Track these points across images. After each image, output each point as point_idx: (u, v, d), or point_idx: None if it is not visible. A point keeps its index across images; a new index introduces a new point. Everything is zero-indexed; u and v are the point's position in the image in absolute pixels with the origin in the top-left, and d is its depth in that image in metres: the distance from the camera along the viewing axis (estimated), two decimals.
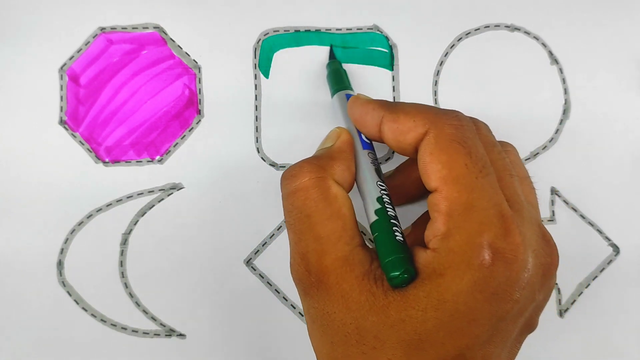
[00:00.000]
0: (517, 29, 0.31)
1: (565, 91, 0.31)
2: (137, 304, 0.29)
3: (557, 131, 0.31)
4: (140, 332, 0.29)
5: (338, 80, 0.29)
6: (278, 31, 0.30)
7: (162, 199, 0.29)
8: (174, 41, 0.30)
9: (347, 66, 0.30)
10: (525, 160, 0.31)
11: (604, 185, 0.31)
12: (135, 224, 0.29)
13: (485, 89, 0.31)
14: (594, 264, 0.31)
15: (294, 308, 0.29)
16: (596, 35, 0.31)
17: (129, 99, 0.30)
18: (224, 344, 0.29)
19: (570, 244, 0.31)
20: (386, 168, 0.28)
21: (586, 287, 0.30)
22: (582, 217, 0.31)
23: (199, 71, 0.30)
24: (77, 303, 0.29)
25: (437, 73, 0.31)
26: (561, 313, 0.30)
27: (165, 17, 0.30)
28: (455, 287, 0.20)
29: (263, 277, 0.29)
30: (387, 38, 0.31)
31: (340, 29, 0.30)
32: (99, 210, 0.29)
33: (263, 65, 0.30)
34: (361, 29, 0.31)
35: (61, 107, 0.29)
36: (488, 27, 0.31)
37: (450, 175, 0.21)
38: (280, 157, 0.30)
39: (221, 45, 0.30)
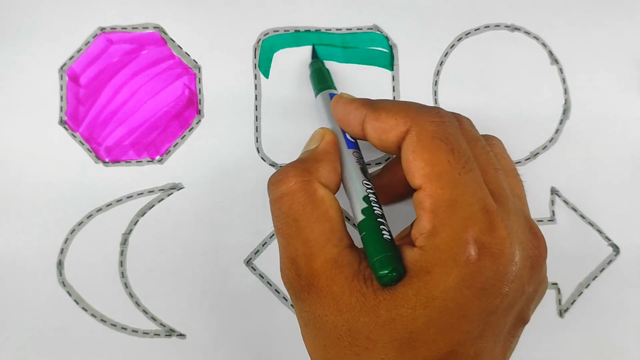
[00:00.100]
0: (517, 29, 0.31)
1: (565, 91, 0.31)
2: (137, 304, 0.29)
3: (557, 131, 0.31)
4: (140, 332, 0.29)
5: (321, 80, 0.29)
6: (278, 31, 0.30)
7: (162, 199, 0.29)
8: (174, 41, 0.30)
9: (347, 66, 0.30)
10: (525, 160, 0.31)
11: (604, 185, 0.31)
12: (135, 224, 0.29)
13: (485, 89, 0.31)
14: (594, 264, 0.31)
15: (294, 308, 0.29)
16: (596, 35, 0.31)
17: (129, 99, 0.30)
18: (224, 344, 0.29)
19: (570, 244, 0.31)
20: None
21: (586, 287, 0.30)
22: (582, 217, 0.31)
23: (199, 71, 0.30)
24: (77, 303, 0.29)
25: (437, 73, 0.31)
26: (561, 313, 0.30)
27: (165, 17, 0.30)
28: (443, 284, 0.20)
29: (263, 277, 0.29)
30: (387, 38, 0.31)
31: (340, 29, 0.30)
32: (99, 210, 0.29)
33: (263, 65, 0.30)
34: (361, 29, 0.31)
35: (61, 107, 0.29)
36: (488, 27, 0.31)
37: (433, 173, 0.21)
38: (280, 157, 0.30)
39: (221, 45, 0.30)
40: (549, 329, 0.30)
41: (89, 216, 0.29)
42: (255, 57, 0.30)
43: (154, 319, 0.29)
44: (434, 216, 0.21)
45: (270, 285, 0.29)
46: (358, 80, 0.30)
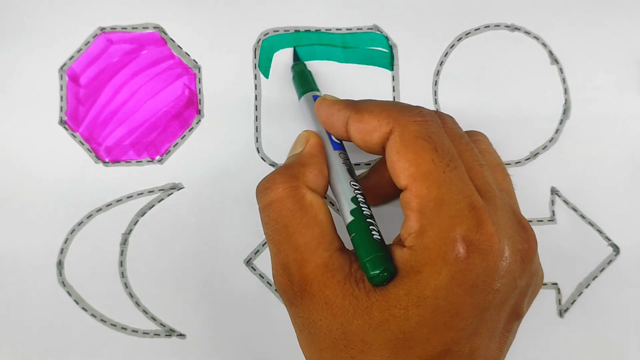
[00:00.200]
0: (517, 29, 0.31)
1: (565, 91, 0.31)
2: (137, 304, 0.29)
3: (557, 131, 0.31)
4: (140, 332, 0.29)
5: (304, 82, 0.28)
6: (278, 31, 0.30)
7: (162, 199, 0.29)
8: (174, 41, 0.30)
9: (347, 66, 0.30)
10: (525, 160, 0.31)
11: (604, 185, 0.31)
12: (135, 224, 0.29)
13: (485, 89, 0.31)
14: (594, 264, 0.31)
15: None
16: (596, 35, 0.31)
17: (129, 99, 0.30)
18: (224, 344, 0.29)
19: (570, 244, 0.31)
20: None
21: (586, 287, 0.30)
22: (582, 217, 0.31)
23: (199, 71, 0.30)
24: (77, 303, 0.29)
25: (437, 73, 0.31)
26: (561, 313, 0.30)
27: (165, 17, 0.30)
28: (433, 283, 0.20)
29: (263, 277, 0.29)
30: (387, 38, 0.31)
31: (340, 29, 0.30)
32: (99, 210, 0.29)
33: (263, 65, 0.30)
34: (361, 29, 0.31)
35: (61, 107, 0.29)
36: (488, 27, 0.31)
37: (418, 172, 0.21)
38: (280, 157, 0.30)
39: (221, 45, 0.30)
40: (549, 329, 0.30)
41: (89, 216, 0.29)
42: (255, 57, 0.30)
43: (154, 319, 0.29)
44: (421, 216, 0.21)
45: (270, 285, 0.29)
46: (358, 80, 0.30)
